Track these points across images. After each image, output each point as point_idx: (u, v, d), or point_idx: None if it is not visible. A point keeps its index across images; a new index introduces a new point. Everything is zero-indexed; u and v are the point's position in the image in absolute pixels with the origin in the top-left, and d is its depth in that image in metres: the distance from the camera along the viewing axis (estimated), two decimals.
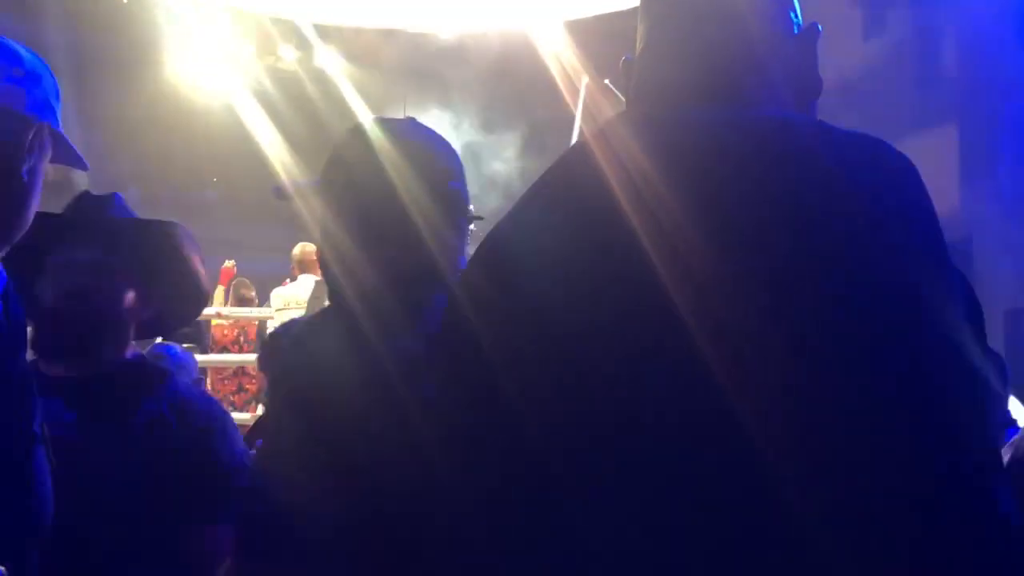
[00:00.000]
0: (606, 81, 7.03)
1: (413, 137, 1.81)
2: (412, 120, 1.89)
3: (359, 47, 9.95)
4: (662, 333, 1.22)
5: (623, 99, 1.55)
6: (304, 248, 7.09)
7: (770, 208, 1.23)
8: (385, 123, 1.81)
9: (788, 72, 1.47)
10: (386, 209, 1.71)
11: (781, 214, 1.23)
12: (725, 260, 1.22)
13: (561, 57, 8.44)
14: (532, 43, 8.46)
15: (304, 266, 7.07)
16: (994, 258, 8.94)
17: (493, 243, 1.44)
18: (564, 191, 1.42)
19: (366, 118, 1.88)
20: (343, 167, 1.79)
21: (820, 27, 1.50)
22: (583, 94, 7.48)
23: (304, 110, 9.28)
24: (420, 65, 10.45)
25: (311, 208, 1.80)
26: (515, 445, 1.32)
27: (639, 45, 1.51)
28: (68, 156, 1.71)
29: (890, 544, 1.10)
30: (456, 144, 1.89)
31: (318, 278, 6.67)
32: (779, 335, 1.17)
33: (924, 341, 1.15)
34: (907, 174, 1.27)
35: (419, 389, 1.56)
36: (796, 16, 1.50)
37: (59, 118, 1.68)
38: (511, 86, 10.79)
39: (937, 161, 8.92)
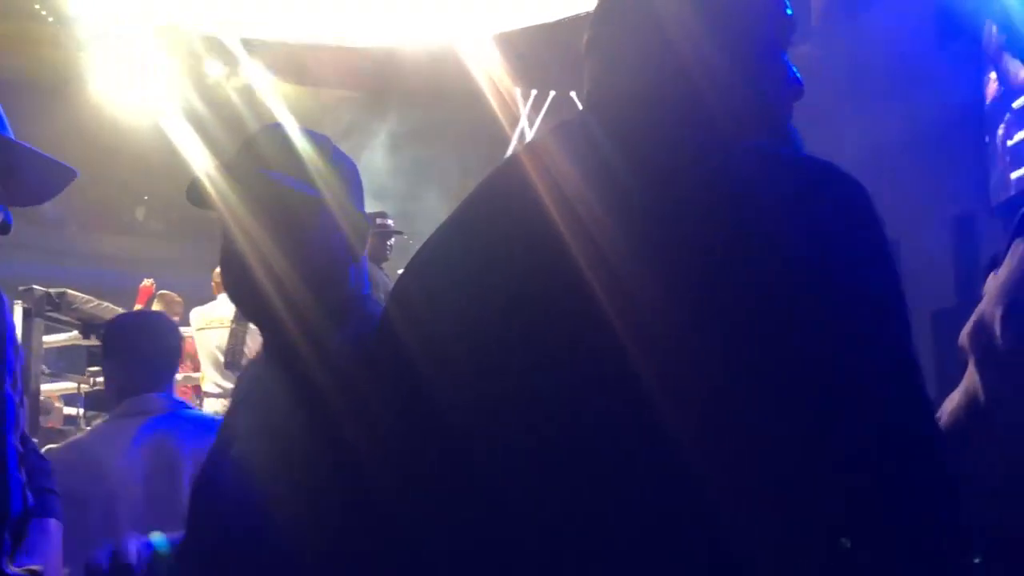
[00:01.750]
0: (571, 93, 7.10)
1: (316, 137, 1.80)
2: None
3: (288, 62, 9.92)
4: (591, 343, 1.25)
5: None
6: None
7: (698, 229, 1.23)
8: (287, 127, 1.80)
9: (746, 87, 1.46)
10: (295, 196, 1.69)
11: (707, 235, 1.23)
12: (647, 276, 1.24)
13: (492, 70, 8.53)
14: (463, 57, 8.51)
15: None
16: (921, 258, 9.28)
17: (420, 257, 1.46)
18: (489, 208, 1.45)
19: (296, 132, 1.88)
20: (254, 152, 1.76)
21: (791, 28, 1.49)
22: (524, 106, 7.56)
23: (232, 126, 9.25)
24: (353, 81, 10.46)
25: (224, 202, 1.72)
26: (439, 448, 1.35)
27: (585, 56, 1.51)
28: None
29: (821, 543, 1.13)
30: (389, 159, 1.90)
31: None
32: (701, 349, 1.19)
33: (865, 355, 1.17)
34: (852, 199, 1.28)
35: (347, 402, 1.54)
36: (775, 22, 1.49)
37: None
38: (444, 100, 10.83)
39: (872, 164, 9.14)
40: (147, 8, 8.23)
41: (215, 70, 9.78)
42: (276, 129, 1.79)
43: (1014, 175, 6.93)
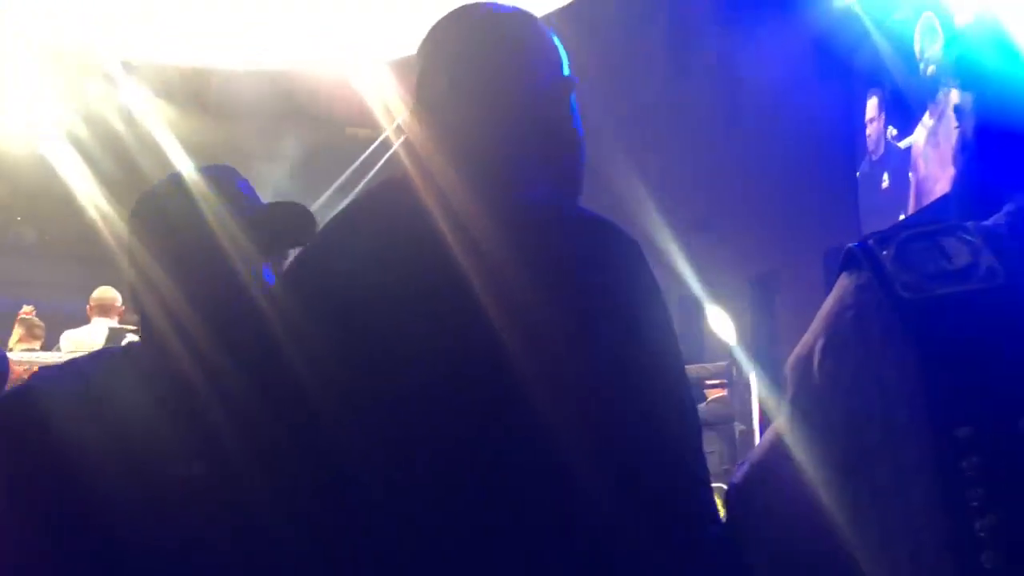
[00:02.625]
0: None
1: (216, 171, 1.88)
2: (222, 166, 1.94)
3: (173, 84, 9.78)
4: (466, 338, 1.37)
5: None
6: (102, 292, 6.88)
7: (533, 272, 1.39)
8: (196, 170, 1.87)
9: (538, 127, 1.61)
10: (193, 229, 1.74)
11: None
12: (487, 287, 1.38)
13: (382, 93, 8.54)
14: (351, 80, 8.50)
15: (100, 310, 6.81)
16: (797, 289, 9.56)
17: (300, 263, 1.54)
18: (367, 218, 1.54)
19: (180, 156, 1.93)
20: (153, 198, 1.85)
21: (576, 79, 1.65)
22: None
23: (113, 148, 9.05)
24: (241, 103, 10.36)
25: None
26: (322, 449, 1.38)
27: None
28: None
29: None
30: (281, 182, 1.93)
31: (113, 323, 6.61)
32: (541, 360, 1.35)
33: (650, 388, 1.39)
34: (630, 253, 1.48)
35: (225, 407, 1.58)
36: (558, 68, 1.65)
37: None
38: (332, 123, 10.78)
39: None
40: (28, 27, 8.04)
41: (96, 90, 9.57)
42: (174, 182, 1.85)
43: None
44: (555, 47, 1.68)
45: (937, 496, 1.26)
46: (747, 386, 7.49)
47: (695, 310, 9.68)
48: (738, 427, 7.32)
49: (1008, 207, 1.42)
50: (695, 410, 1.45)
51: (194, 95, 10.27)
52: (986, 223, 1.39)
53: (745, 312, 10.35)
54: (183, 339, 1.68)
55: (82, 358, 1.83)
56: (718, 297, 10.73)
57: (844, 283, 1.40)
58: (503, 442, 1.38)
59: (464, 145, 1.58)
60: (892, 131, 7.08)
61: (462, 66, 1.63)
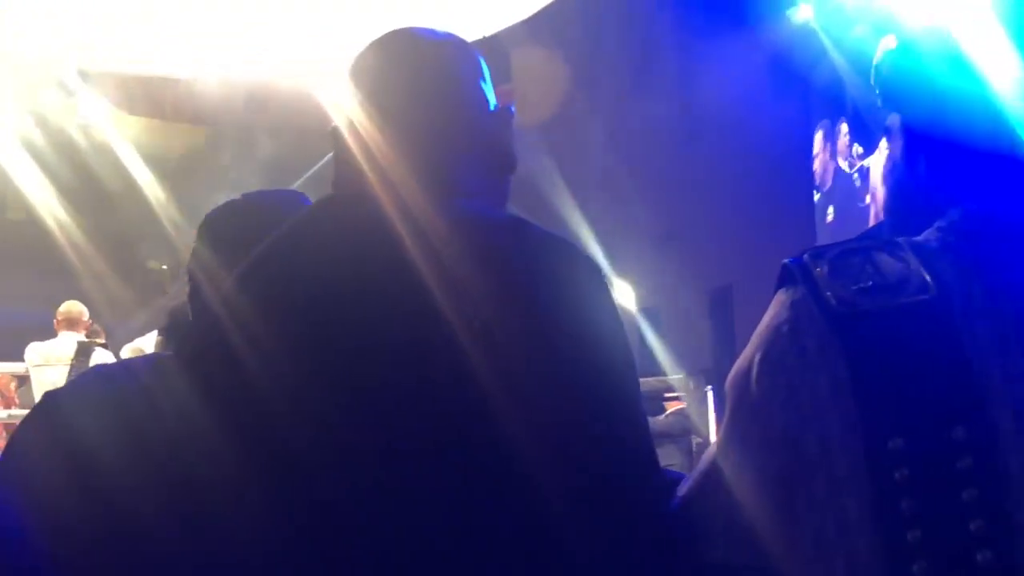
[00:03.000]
0: None
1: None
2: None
3: (132, 94, 9.70)
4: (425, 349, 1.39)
5: None
6: (70, 306, 6.90)
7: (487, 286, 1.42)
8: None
9: (483, 149, 1.63)
10: None
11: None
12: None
13: (344, 104, 8.50)
14: (315, 92, 8.50)
15: (67, 324, 6.82)
16: (696, 242, 9.69)
17: (258, 264, 1.53)
18: (325, 224, 1.55)
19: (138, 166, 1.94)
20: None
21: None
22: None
23: (70, 157, 8.97)
24: (202, 112, 10.30)
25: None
26: (276, 452, 1.39)
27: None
28: None
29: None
30: (237, 193, 1.94)
31: (80, 337, 6.64)
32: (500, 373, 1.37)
33: (606, 406, 1.41)
34: (592, 272, 1.49)
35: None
36: (490, 94, 1.67)
37: None
38: (298, 134, 10.77)
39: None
40: None
41: (53, 100, 9.48)
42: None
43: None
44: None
45: (870, 507, 1.28)
46: (704, 398, 7.54)
47: (655, 323, 9.74)
48: (695, 439, 7.36)
49: (939, 223, 1.44)
50: (646, 424, 1.49)
51: (153, 104, 10.20)
52: (918, 239, 1.41)
53: (704, 325, 10.42)
54: None
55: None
56: (678, 310, 10.79)
57: (780, 299, 1.42)
58: (460, 447, 1.39)
59: (425, 156, 1.59)
60: (858, 149, 7.15)
61: (426, 78, 1.64)
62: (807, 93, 7.72)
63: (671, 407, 7.48)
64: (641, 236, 9.86)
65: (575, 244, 1.54)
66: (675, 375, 7.83)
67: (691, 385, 7.64)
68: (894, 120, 1.58)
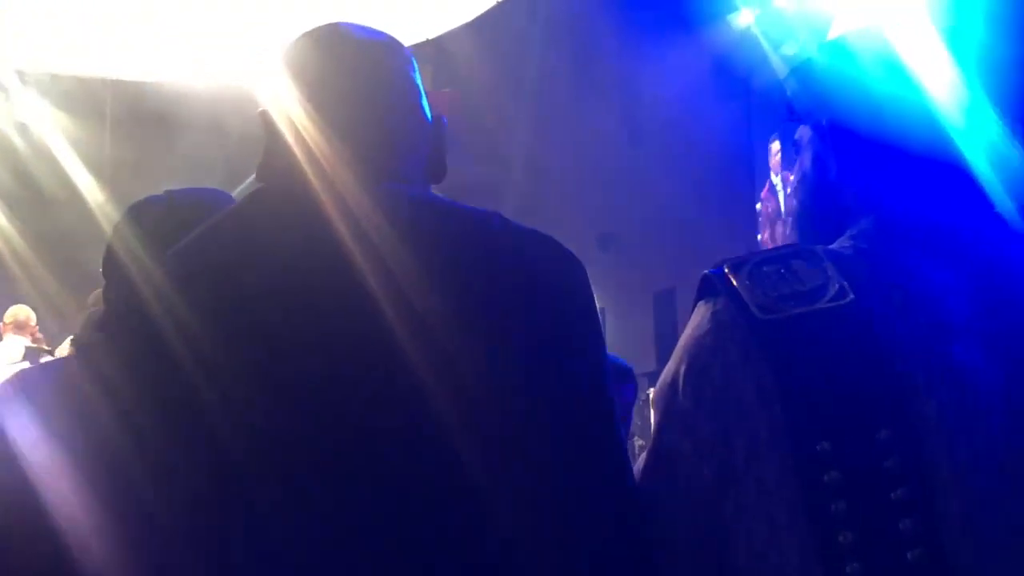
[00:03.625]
0: None
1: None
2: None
3: (72, 95, 9.58)
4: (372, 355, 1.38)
5: None
6: (17, 310, 6.92)
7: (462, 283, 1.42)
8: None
9: (413, 152, 1.64)
10: None
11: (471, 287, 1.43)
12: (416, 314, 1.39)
13: (283, 105, 8.48)
14: (252, 94, 8.44)
15: (15, 327, 6.83)
16: (640, 245, 9.77)
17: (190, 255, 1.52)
18: (259, 215, 1.54)
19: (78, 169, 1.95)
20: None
21: (444, 120, 1.69)
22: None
23: (8, 160, 8.85)
24: (142, 114, 10.19)
25: None
26: (209, 444, 1.37)
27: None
28: None
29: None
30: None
31: (27, 342, 6.66)
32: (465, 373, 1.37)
33: (574, 387, 1.43)
34: (572, 263, 1.51)
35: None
36: (423, 97, 1.68)
37: None
38: (243, 137, 10.70)
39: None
40: None
41: None
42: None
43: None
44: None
45: (801, 512, 1.29)
46: (647, 402, 7.57)
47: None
48: (638, 442, 7.40)
49: (851, 231, 1.47)
50: (616, 420, 1.50)
51: (93, 106, 10.07)
52: (832, 247, 1.44)
53: (648, 327, 10.48)
54: None
55: None
56: (621, 312, 10.85)
57: (702, 310, 1.44)
58: (405, 441, 1.38)
59: (359, 150, 1.59)
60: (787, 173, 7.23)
61: (362, 75, 1.64)
62: (748, 97, 7.80)
63: None
64: (584, 239, 9.89)
65: (506, 221, 1.53)
66: None
67: (634, 388, 7.68)
68: (804, 133, 1.61)
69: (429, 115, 1.67)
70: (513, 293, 1.44)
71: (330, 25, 1.68)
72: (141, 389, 1.44)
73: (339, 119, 1.57)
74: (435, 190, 1.69)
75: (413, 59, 1.70)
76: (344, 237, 1.44)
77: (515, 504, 1.36)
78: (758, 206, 8.08)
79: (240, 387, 1.39)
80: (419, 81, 1.69)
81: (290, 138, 1.59)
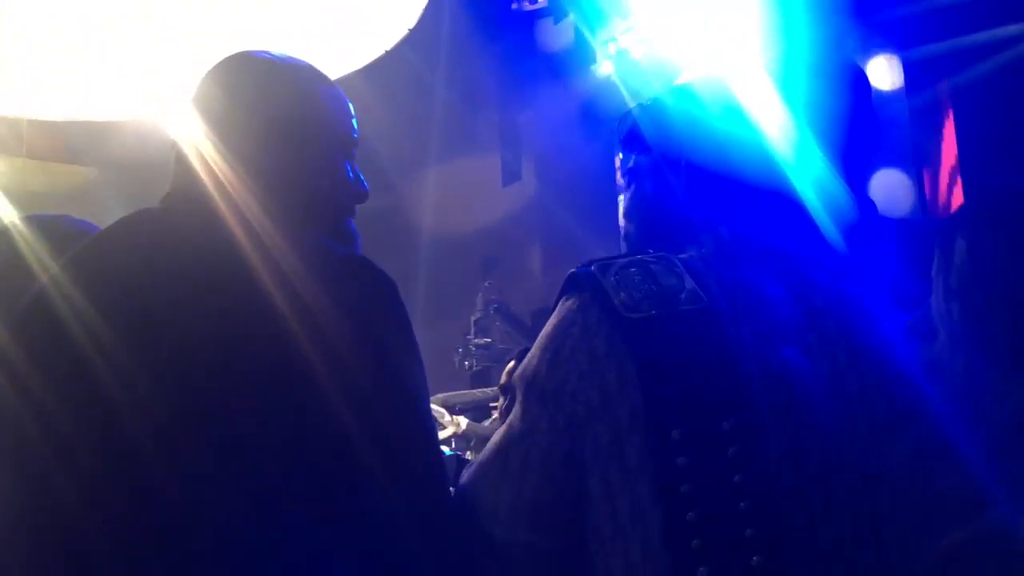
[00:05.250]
0: None
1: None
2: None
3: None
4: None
5: None
6: None
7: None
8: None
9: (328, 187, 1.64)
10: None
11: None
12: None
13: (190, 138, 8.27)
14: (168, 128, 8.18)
15: None
16: (519, 275, 9.82)
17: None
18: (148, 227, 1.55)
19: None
20: None
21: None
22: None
23: None
24: (67, 153, 9.80)
25: None
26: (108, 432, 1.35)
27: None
28: None
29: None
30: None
31: None
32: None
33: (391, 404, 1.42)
34: (387, 286, 1.51)
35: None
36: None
37: None
38: (157, 170, 10.37)
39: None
40: None
41: None
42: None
43: None
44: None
45: (657, 490, 1.32)
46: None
47: None
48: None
49: (693, 248, 1.53)
50: (432, 426, 1.51)
51: (21, 143, 9.63)
52: (683, 256, 1.49)
53: (527, 343, 10.48)
54: None
55: None
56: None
57: (568, 304, 1.45)
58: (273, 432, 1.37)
59: (267, 179, 1.56)
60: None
61: (273, 109, 1.61)
62: (610, 136, 7.89)
63: (496, 412, 7.48)
64: (469, 263, 9.88)
65: (379, 268, 1.54)
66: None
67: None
68: (641, 160, 1.64)
69: None
70: (346, 299, 1.44)
71: (235, 57, 1.65)
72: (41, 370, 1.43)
73: (241, 149, 1.55)
74: None
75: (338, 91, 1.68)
76: (246, 258, 1.42)
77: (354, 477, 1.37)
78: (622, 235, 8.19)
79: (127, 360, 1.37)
80: (336, 106, 1.68)
81: (196, 165, 1.56)
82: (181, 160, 1.58)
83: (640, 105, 1.74)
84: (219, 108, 1.60)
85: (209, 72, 1.63)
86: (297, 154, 1.60)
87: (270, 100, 1.61)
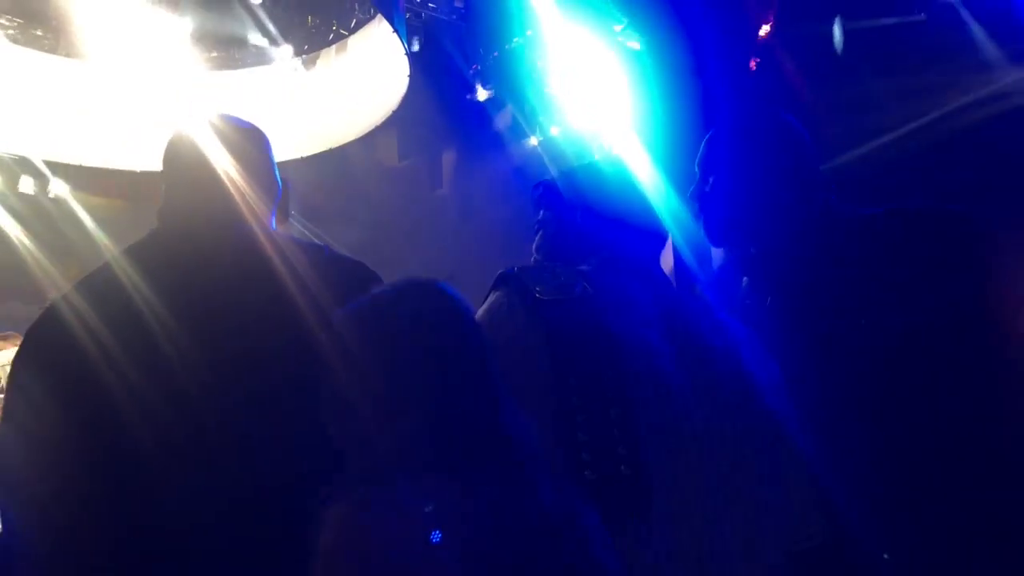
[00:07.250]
0: None
1: None
2: None
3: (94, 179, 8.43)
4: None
5: None
6: None
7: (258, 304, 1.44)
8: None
9: (276, 205, 1.68)
10: None
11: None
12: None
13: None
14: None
15: None
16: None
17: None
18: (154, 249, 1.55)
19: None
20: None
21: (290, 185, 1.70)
22: None
23: (45, 236, 7.86)
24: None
25: None
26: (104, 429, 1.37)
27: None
28: None
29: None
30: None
31: None
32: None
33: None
34: (369, 274, 1.54)
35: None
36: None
37: None
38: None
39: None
40: None
41: (27, 186, 7.89)
42: None
43: None
44: None
45: (561, 432, 1.35)
46: None
47: None
48: None
49: (584, 264, 1.62)
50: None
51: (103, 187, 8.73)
52: (578, 267, 1.60)
53: None
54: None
55: None
56: None
57: (498, 293, 1.53)
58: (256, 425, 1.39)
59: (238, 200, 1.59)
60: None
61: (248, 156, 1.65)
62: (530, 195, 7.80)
63: None
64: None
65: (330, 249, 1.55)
66: None
67: None
68: (547, 215, 1.78)
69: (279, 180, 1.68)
70: (338, 289, 1.43)
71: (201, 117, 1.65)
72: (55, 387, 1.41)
73: (225, 174, 1.59)
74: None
75: (268, 142, 1.70)
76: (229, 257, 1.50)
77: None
78: None
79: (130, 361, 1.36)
80: (272, 157, 1.70)
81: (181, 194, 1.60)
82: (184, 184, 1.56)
83: (548, 179, 1.81)
84: (231, 133, 1.61)
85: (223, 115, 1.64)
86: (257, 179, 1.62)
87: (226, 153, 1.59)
